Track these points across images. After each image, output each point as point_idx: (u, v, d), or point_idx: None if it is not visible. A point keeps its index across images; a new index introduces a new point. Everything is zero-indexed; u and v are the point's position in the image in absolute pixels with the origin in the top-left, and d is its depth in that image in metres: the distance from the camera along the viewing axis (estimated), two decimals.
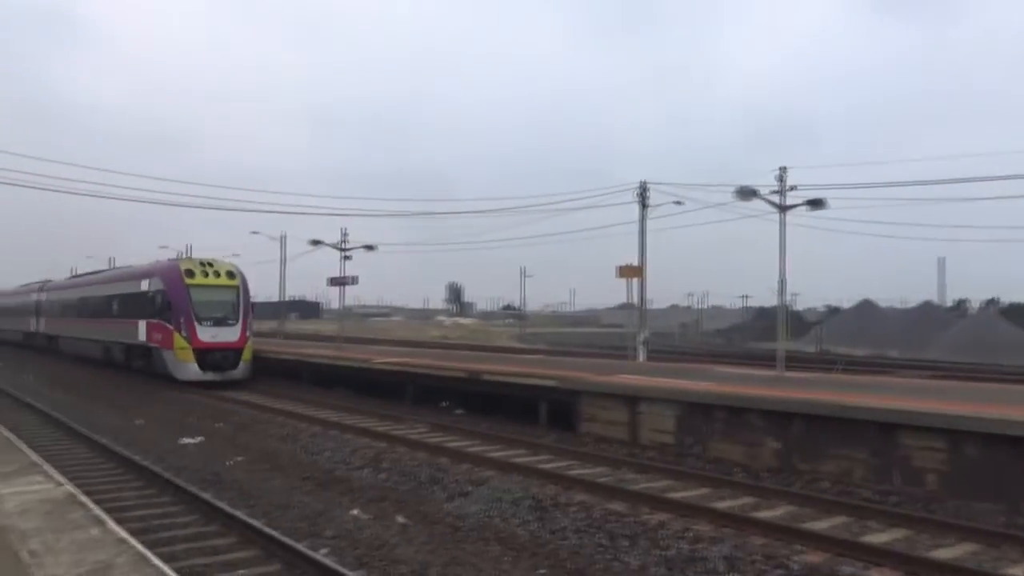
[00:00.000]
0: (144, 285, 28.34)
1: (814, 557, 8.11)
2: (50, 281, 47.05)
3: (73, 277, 46.99)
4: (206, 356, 25.43)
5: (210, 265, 27.62)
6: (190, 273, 26.57)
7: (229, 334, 26.29)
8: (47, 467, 9.43)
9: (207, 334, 25.66)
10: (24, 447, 11.12)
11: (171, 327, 25.65)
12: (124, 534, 6.55)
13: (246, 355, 26.66)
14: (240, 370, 26.30)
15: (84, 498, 7.82)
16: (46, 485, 8.30)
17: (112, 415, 19.91)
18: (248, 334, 26.97)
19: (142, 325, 27.69)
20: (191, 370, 25.32)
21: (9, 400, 22.35)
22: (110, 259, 59.28)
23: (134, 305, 28.80)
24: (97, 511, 7.27)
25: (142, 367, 28.18)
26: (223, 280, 27.26)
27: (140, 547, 6.17)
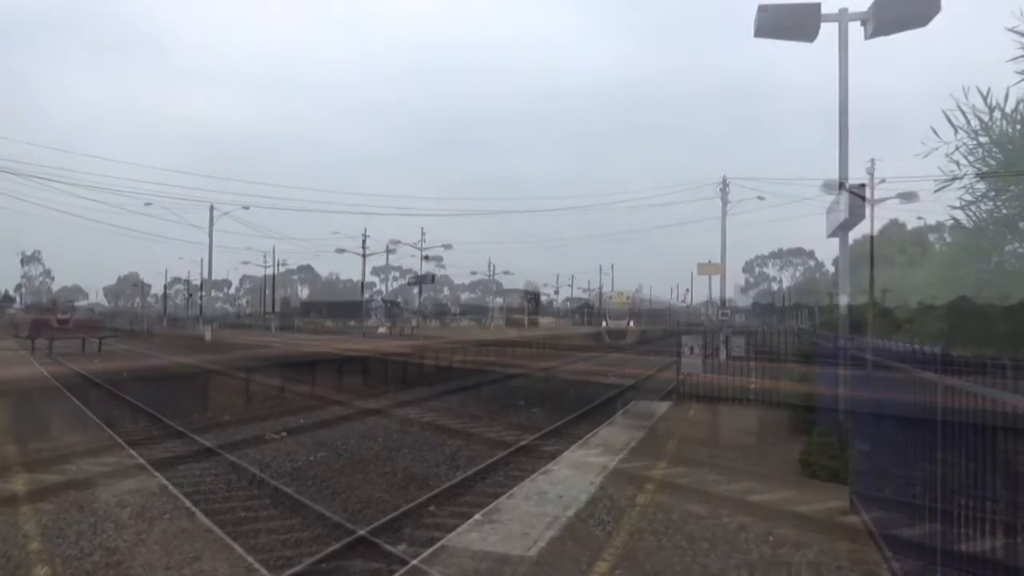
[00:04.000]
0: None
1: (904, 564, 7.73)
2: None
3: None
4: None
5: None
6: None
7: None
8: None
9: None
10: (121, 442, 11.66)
11: None
12: (212, 525, 6.79)
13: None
14: None
15: (175, 490, 8.14)
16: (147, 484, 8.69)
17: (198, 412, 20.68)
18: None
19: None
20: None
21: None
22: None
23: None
24: (187, 503, 7.56)
25: None
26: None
27: (227, 538, 6.38)
